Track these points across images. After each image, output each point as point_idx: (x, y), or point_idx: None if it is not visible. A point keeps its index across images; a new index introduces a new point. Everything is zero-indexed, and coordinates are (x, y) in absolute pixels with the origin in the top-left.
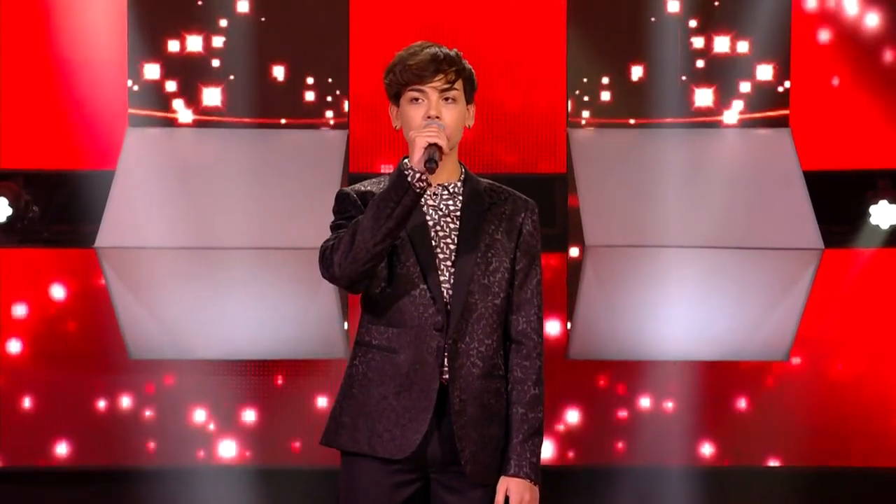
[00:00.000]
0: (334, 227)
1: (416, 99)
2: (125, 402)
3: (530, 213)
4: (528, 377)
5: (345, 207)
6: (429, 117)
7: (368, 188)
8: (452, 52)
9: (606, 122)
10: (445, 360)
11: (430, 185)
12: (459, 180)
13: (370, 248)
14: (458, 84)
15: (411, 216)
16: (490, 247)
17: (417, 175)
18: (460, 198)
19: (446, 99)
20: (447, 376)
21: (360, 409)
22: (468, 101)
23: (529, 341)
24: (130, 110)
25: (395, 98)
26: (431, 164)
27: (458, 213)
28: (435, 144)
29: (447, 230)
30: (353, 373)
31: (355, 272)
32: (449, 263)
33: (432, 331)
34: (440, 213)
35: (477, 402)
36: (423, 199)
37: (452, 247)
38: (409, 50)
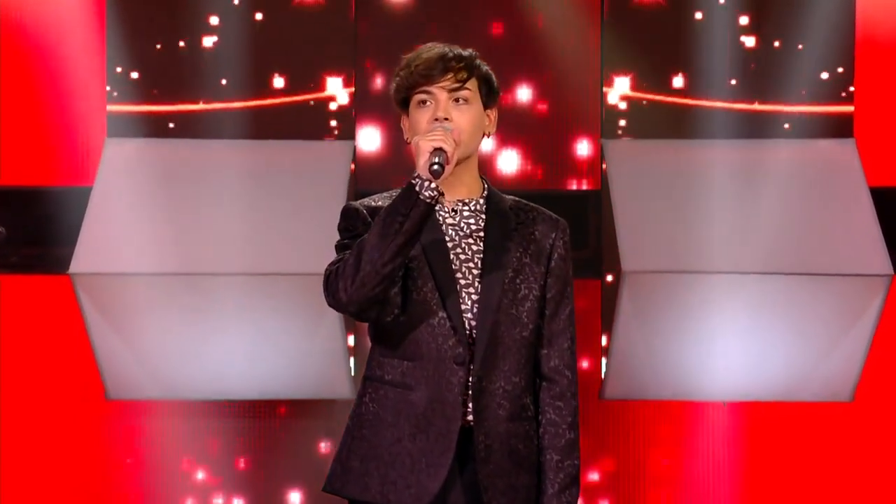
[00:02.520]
0: (340, 248)
1: (424, 101)
2: (102, 448)
3: (561, 234)
4: (562, 420)
5: (352, 224)
6: (436, 120)
7: (380, 203)
8: (465, 52)
9: (646, 132)
10: (467, 398)
11: (441, 193)
12: (482, 197)
13: (379, 270)
14: (472, 84)
15: (423, 231)
16: (518, 272)
17: (426, 183)
18: (483, 216)
19: (457, 100)
20: (470, 417)
21: (370, 453)
22: (487, 105)
23: (563, 379)
24: (109, 118)
25: (404, 105)
26: (437, 167)
27: (482, 234)
28: (441, 149)
29: (469, 253)
30: (362, 411)
31: (364, 297)
32: (471, 290)
33: (452, 365)
34: (461, 233)
35: (504, 448)
36: (441, 218)
37: (476, 271)
38: (416, 52)
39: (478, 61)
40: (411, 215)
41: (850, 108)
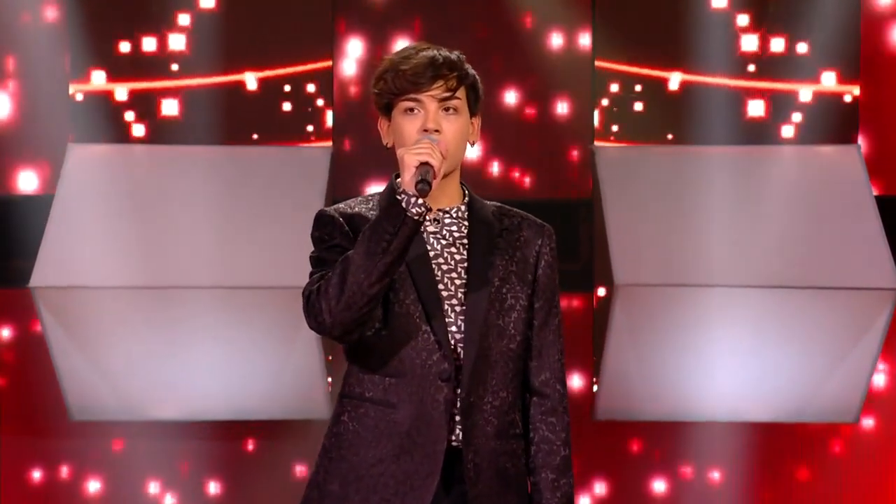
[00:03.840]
0: (316, 261)
1: (411, 110)
2: (65, 471)
3: (548, 241)
4: (556, 436)
5: (328, 233)
6: (425, 130)
7: (356, 209)
8: (454, 55)
9: (640, 137)
10: (454, 415)
11: (429, 209)
12: (463, 204)
13: (365, 290)
14: (461, 92)
15: (411, 248)
16: (504, 281)
17: (413, 199)
18: (465, 224)
19: (446, 109)
20: (454, 435)
21: (351, 475)
22: (472, 113)
23: (555, 393)
24: (72, 122)
25: (386, 110)
26: (423, 185)
27: (465, 242)
28: (427, 163)
29: (452, 262)
30: (340, 431)
31: (350, 319)
32: (455, 301)
33: (437, 381)
34: (443, 242)
35: (492, 468)
36: (422, 226)
37: (458, 282)
38: (401, 53)
39: (467, 66)
40: (399, 234)
41: (854, 113)
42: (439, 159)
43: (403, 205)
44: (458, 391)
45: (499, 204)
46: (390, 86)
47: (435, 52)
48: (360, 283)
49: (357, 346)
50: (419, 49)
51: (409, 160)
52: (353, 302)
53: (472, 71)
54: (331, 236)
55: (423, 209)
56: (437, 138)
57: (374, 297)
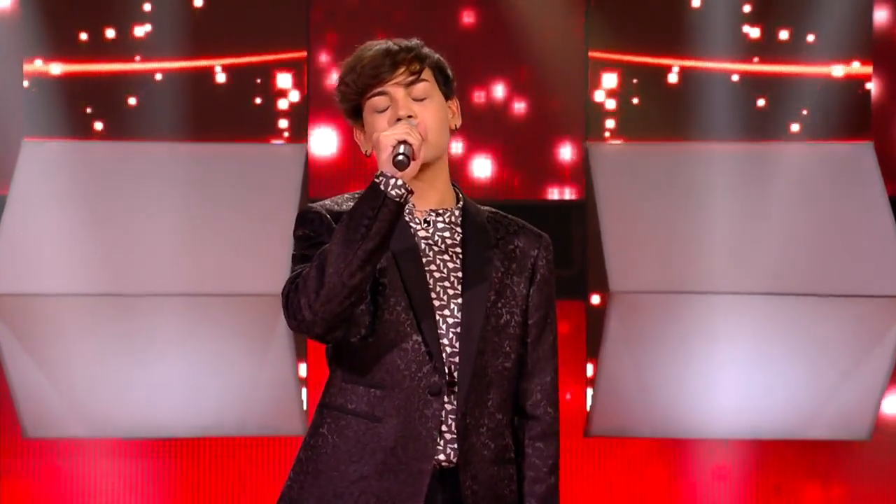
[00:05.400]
0: (299, 259)
1: (380, 104)
2: (20, 493)
3: (544, 252)
4: (543, 462)
5: (315, 230)
6: (398, 120)
7: (344, 207)
8: (410, 42)
9: (636, 134)
10: (443, 433)
11: (410, 191)
12: (457, 207)
13: (346, 281)
14: (427, 74)
15: (393, 236)
16: (500, 294)
17: (392, 181)
18: (459, 229)
19: (416, 95)
20: (444, 454)
21: (329, 491)
22: (447, 96)
23: (546, 416)
24: (27, 117)
25: (357, 116)
26: (401, 158)
27: (458, 250)
28: (405, 141)
29: (445, 270)
30: (319, 443)
31: (331, 314)
32: (447, 313)
33: (426, 395)
34: (435, 248)
35: (490, 494)
36: (412, 230)
37: (452, 291)
38: (355, 54)
39: (426, 49)
40: (379, 216)
41: (867, 108)
42: (418, 139)
43: (382, 186)
44: (450, 408)
45: (492, 210)
46: (353, 86)
47: (389, 43)
48: (339, 272)
49: (341, 353)
50: (372, 45)
51: (385, 140)
52: (334, 294)
53: (433, 53)
54: (317, 233)
55: (403, 191)
56: (414, 122)
57: (355, 288)
